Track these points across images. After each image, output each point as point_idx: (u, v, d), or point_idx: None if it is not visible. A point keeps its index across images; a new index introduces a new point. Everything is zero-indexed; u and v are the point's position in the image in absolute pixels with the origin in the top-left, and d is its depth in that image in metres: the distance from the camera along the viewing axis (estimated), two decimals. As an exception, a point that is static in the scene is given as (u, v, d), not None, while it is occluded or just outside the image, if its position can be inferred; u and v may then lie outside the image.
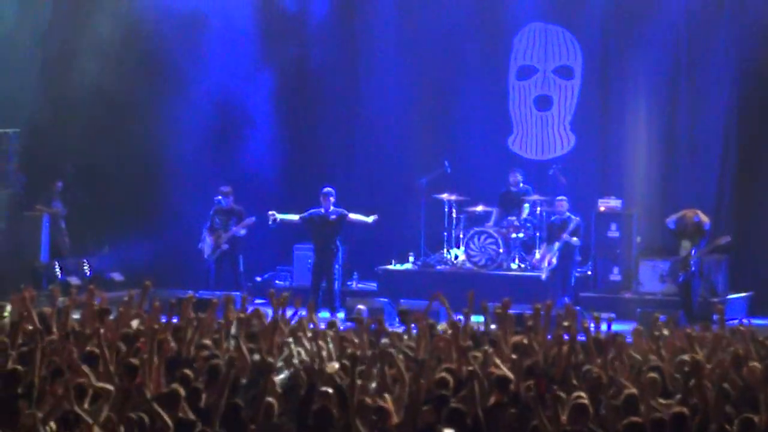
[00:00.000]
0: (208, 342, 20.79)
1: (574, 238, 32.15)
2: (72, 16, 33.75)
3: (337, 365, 18.82)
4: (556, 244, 32.19)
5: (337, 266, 31.89)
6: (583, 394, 17.60)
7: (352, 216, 31.69)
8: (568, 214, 32.28)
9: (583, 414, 16.58)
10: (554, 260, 32.18)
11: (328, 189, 31.72)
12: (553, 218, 32.58)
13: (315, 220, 31.52)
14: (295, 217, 31.97)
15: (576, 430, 16.08)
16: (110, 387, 16.94)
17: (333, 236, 31.53)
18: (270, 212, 31.83)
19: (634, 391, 17.81)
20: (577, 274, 32.72)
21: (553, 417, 16.02)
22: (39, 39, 33.46)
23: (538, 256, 32.69)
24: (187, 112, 34.76)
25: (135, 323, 22.05)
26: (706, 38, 33.46)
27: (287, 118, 35.43)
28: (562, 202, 32.42)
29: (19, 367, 17.98)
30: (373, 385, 18.56)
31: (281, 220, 31.91)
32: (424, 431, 16.42)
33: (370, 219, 31.79)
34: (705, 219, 31.08)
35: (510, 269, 32.91)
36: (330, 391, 17.27)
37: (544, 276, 32.25)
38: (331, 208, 31.54)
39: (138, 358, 18.86)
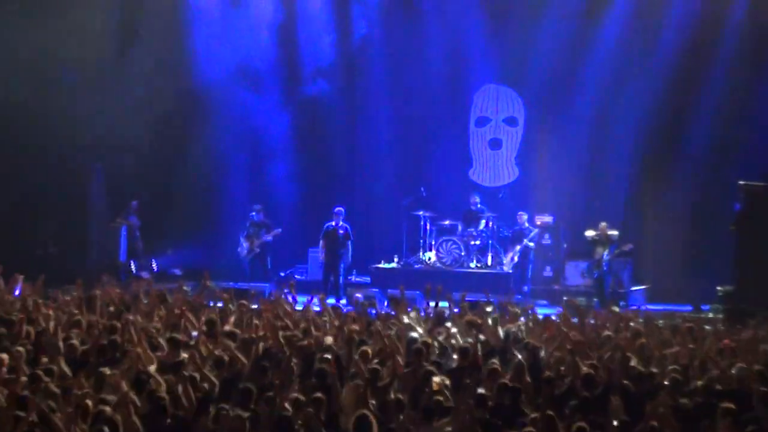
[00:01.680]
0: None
1: (531, 243, 32.89)
2: (142, 75, 33.66)
3: (331, 339, 19.55)
4: (518, 247, 32.89)
5: (342, 265, 32.26)
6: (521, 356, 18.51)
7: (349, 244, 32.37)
8: (527, 225, 33.07)
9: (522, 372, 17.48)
10: (516, 258, 32.90)
11: (339, 209, 32.26)
12: (516, 227, 33.17)
13: (328, 232, 32.05)
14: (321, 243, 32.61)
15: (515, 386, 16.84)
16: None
17: (339, 244, 31.98)
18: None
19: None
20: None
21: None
22: (119, 93, 33.34)
23: (507, 258, 33.28)
24: (228, 147, 35.53)
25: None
26: (617, 94, 33.93)
27: (303, 153, 35.76)
28: (522, 215, 33.23)
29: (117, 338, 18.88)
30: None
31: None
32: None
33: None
34: (614, 231, 31.62)
35: (469, 267, 33.23)
36: (329, 357, 18.06)
37: (508, 269, 32.98)
38: (341, 223, 32.02)
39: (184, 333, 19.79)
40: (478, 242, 33.46)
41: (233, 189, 35.59)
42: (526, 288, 32.60)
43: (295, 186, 35.67)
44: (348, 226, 32.34)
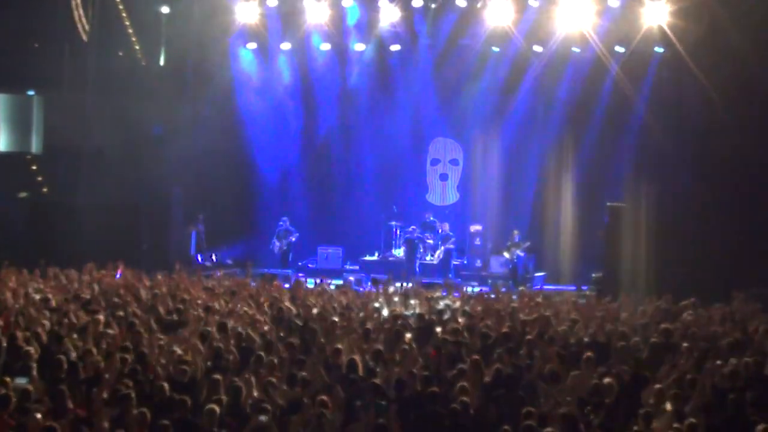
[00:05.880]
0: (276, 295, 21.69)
1: (451, 246, 32.81)
2: (205, 125, 33.43)
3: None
4: (443, 248, 32.85)
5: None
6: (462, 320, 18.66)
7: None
8: (449, 232, 32.90)
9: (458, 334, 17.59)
10: (441, 255, 32.90)
11: None
12: (441, 234, 33.02)
13: None
14: None
15: (458, 340, 17.00)
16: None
17: None
18: None
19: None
20: (456, 263, 33.20)
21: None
22: (189, 139, 33.01)
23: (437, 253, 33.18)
24: (263, 171, 35.13)
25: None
26: (527, 142, 34.07)
27: (314, 178, 35.45)
28: (446, 225, 33.08)
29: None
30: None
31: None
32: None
33: None
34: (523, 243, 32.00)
35: (425, 260, 33.20)
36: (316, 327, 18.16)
37: (436, 262, 32.95)
38: None
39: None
40: (431, 242, 33.25)
41: (266, 203, 35.10)
42: (451, 275, 31.97)
43: (308, 201, 35.26)
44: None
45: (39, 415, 12.02)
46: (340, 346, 16.15)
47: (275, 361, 15.10)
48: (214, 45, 32.90)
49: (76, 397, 13.16)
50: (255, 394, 13.57)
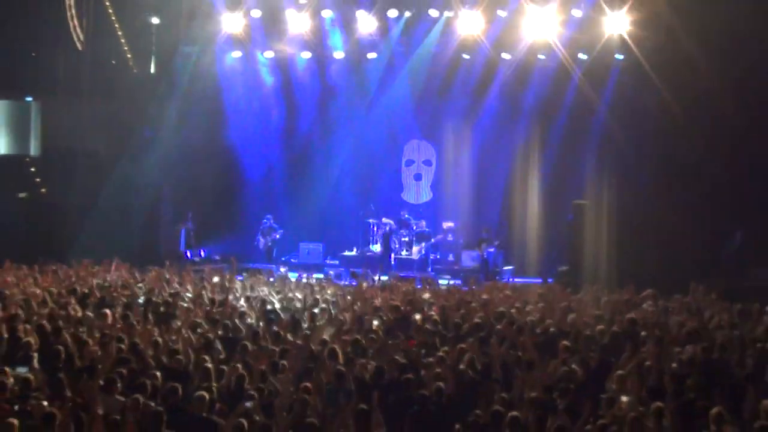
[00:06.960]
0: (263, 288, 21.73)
1: (433, 240, 32.93)
2: (191, 128, 33.37)
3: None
4: (423, 244, 32.86)
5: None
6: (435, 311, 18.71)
7: None
8: (426, 229, 33.10)
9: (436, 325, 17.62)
10: (423, 251, 32.87)
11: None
12: (419, 230, 33.14)
13: None
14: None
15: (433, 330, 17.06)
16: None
17: None
18: None
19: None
20: (432, 257, 33.27)
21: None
22: (177, 140, 33.02)
23: (415, 249, 33.19)
24: (247, 171, 35.04)
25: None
26: (495, 143, 33.91)
27: (295, 177, 35.12)
28: (422, 222, 33.22)
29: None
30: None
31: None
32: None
33: None
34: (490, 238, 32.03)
35: (400, 255, 33.24)
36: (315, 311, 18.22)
37: (416, 258, 32.94)
38: None
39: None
40: (406, 239, 33.37)
41: (251, 201, 34.96)
42: (430, 269, 32.35)
43: (290, 200, 35.17)
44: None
45: (45, 403, 12.03)
46: (320, 336, 16.16)
47: (260, 350, 15.11)
48: (200, 53, 33.17)
49: (74, 385, 13.13)
50: (242, 381, 13.58)
